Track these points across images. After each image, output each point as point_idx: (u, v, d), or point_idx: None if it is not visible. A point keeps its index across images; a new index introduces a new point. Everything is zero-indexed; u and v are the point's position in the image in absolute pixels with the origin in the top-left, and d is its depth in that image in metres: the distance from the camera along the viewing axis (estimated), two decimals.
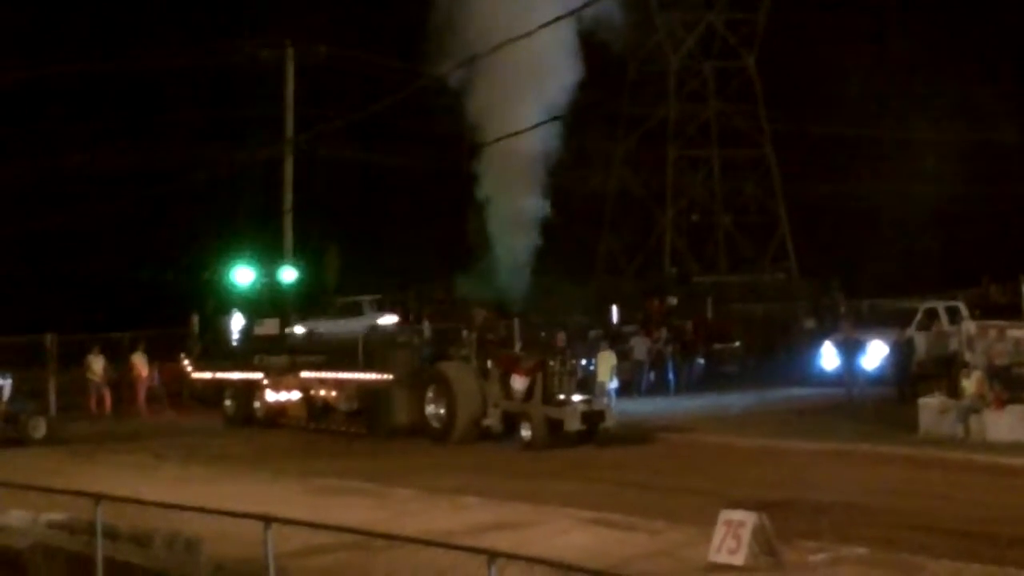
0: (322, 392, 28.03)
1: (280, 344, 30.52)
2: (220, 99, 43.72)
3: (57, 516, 14.22)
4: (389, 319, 34.82)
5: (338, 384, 27.56)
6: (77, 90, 45.11)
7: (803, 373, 32.76)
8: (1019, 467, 19.84)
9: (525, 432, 24.16)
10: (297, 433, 28.15)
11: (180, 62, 40.53)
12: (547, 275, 30.24)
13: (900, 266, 45.48)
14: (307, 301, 34.31)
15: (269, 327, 31.55)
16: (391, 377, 26.31)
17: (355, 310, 35.35)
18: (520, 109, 26.60)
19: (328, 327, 32.07)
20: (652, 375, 33.34)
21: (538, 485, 19.56)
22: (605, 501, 17.45)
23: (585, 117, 38.49)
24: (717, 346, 36.80)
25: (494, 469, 21.80)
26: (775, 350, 38.37)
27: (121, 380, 33.37)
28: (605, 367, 25.99)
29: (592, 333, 34.26)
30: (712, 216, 56.12)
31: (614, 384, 26.42)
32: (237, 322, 31.88)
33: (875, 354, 30.39)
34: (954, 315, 31.82)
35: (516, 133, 25.24)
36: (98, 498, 12.79)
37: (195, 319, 34.01)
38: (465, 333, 26.60)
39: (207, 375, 31.61)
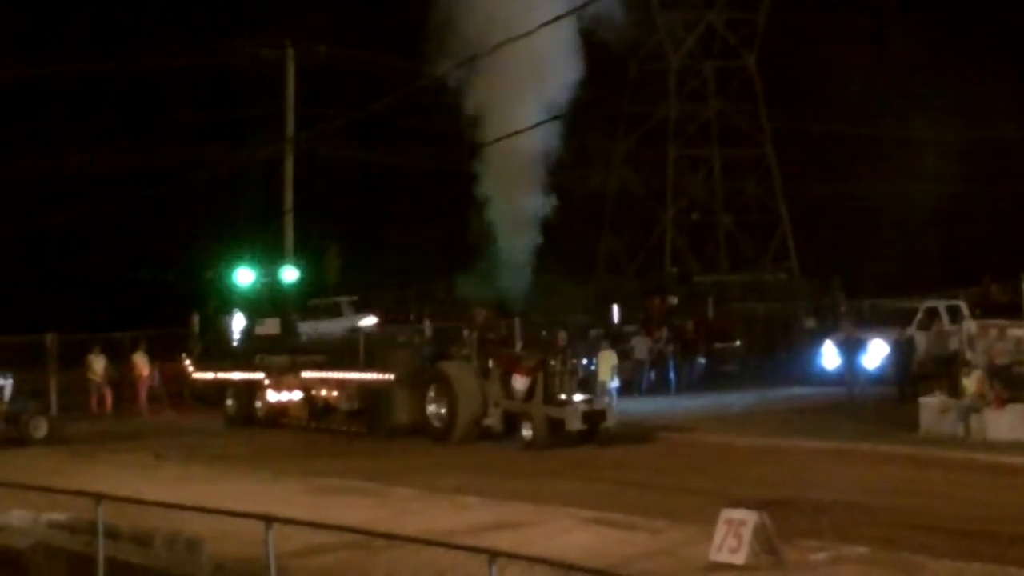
0: (323, 392, 28.03)
1: (281, 344, 30.51)
2: (220, 99, 43.75)
3: (58, 516, 14.23)
4: (368, 320, 34.88)
5: (339, 384, 27.56)
6: (77, 90, 45.13)
7: (804, 372, 32.75)
8: (1020, 466, 19.85)
9: (526, 432, 24.16)
10: (298, 433, 28.14)
11: (180, 62, 40.56)
12: (548, 274, 30.24)
13: (901, 265, 45.48)
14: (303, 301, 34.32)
15: (270, 327, 31.55)
16: (392, 377, 26.30)
17: (333, 311, 35.34)
18: (520, 108, 26.57)
19: (305, 328, 32.12)
20: (653, 374, 33.33)
21: (539, 484, 19.57)
22: (606, 500, 17.46)
23: (585, 116, 38.53)
24: (718, 345, 36.77)
25: (495, 469, 21.80)
26: (776, 349, 38.36)
27: (122, 380, 33.34)
28: (606, 366, 25.99)
29: (593, 332, 34.27)
30: (713, 215, 56.11)
31: (615, 383, 26.41)
32: (238, 322, 31.87)
33: (876, 353, 30.39)
34: (955, 314, 31.78)
35: (516, 132, 25.22)
36: (99, 498, 12.80)
37: (195, 319, 34.00)
38: (466, 332, 26.59)
39: (208, 375, 31.62)
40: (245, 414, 29.73)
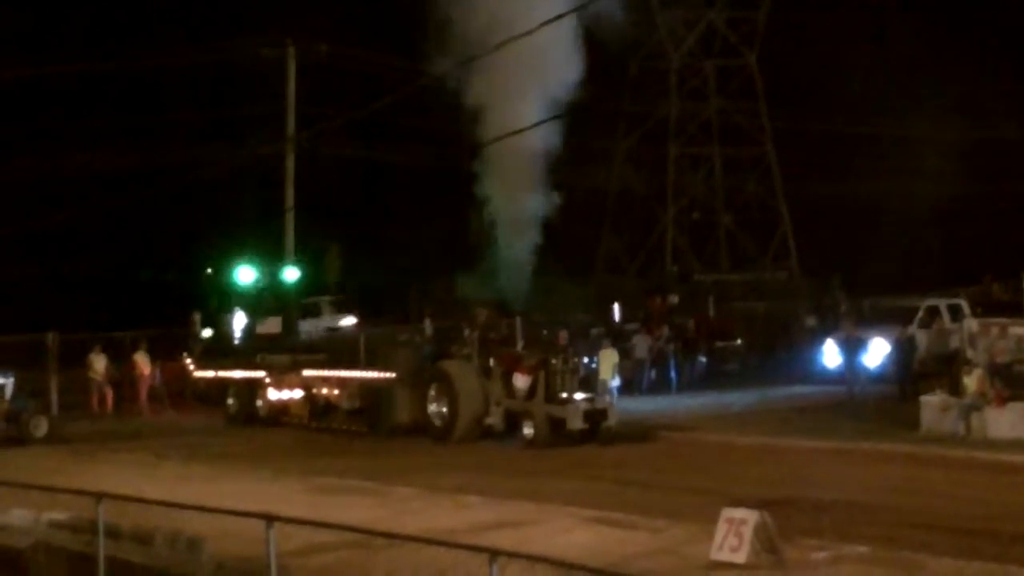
0: (324, 390, 28.02)
1: (282, 343, 30.51)
2: (221, 98, 43.74)
3: (59, 515, 14.23)
4: (347, 320, 34.85)
5: (340, 382, 27.55)
6: (77, 90, 45.15)
7: (804, 371, 32.72)
8: (1020, 464, 19.85)
9: (527, 430, 24.17)
10: (299, 431, 28.13)
11: (180, 61, 40.57)
12: (549, 273, 30.21)
13: (901, 264, 45.43)
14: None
15: (271, 326, 31.56)
16: (393, 375, 26.30)
17: (314, 311, 35.30)
18: (521, 107, 26.55)
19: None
20: (654, 373, 33.31)
21: (540, 483, 19.58)
22: (607, 499, 17.47)
23: (586, 115, 38.50)
24: (719, 344, 36.75)
25: (496, 468, 21.81)
26: (776, 348, 38.34)
27: (123, 379, 33.35)
28: (607, 365, 25.96)
29: (594, 331, 34.23)
30: (713, 214, 56.15)
31: (616, 382, 26.39)
32: (239, 321, 31.88)
33: (876, 352, 30.36)
34: (956, 313, 31.76)
35: (517, 131, 25.20)
36: (100, 497, 12.80)
37: (196, 317, 34.00)
38: (467, 332, 26.56)
39: (209, 374, 31.63)
40: (246, 413, 29.73)
